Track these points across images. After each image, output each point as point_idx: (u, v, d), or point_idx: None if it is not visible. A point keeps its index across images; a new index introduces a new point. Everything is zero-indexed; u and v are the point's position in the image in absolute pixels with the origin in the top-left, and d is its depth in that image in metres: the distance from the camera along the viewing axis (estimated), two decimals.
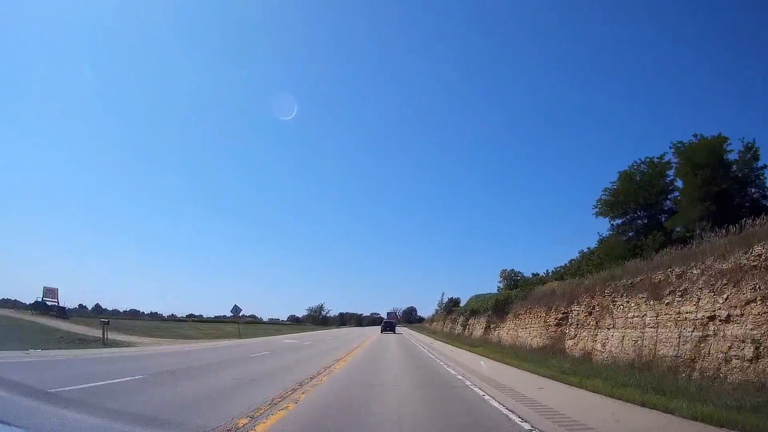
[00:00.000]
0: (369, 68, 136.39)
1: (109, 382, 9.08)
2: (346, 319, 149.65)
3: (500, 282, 52.08)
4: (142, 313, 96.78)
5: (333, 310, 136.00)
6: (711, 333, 10.16)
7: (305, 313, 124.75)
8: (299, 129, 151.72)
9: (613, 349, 14.36)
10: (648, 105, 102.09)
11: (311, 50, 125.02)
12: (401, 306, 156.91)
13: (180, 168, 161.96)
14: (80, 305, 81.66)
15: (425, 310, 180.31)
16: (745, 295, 9.40)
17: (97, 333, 23.86)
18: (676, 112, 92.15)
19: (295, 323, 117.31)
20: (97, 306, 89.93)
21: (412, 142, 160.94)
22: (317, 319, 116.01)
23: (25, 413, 5.86)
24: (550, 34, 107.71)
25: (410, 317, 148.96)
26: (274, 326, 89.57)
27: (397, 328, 67.48)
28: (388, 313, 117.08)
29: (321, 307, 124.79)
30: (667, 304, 12.15)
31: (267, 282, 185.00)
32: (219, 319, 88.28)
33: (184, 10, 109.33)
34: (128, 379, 9.74)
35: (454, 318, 55.04)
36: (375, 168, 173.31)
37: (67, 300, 63.16)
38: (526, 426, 6.51)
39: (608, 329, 15.12)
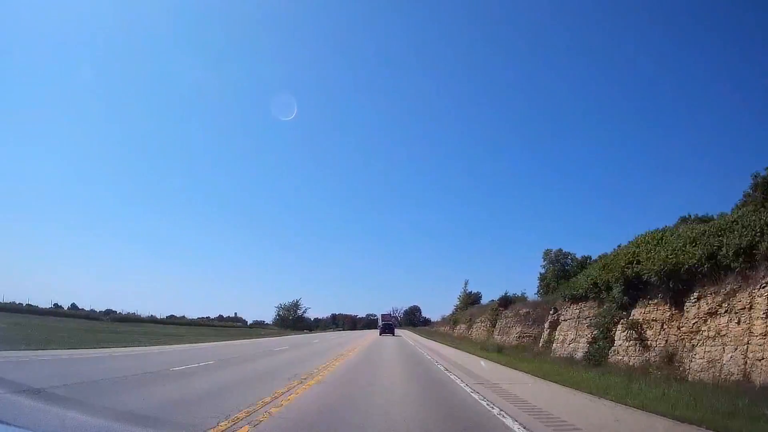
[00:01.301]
0: (370, 68, 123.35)
1: None
2: (338, 321, 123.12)
3: (544, 265, 41.75)
4: (114, 312, 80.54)
5: (313, 308, 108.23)
6: None
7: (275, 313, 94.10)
8: (299, 129, 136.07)
9: None
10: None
11: (311, 50, 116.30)
12: (402, 305, 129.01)
13: (176, 167, 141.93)
14: (55, 304, 67.47)
15: (431, 311, 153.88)
16: None
17: None
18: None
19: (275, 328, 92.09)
20: (74, 305, 75.20)
21: (418, 135, 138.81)
22: (287, 321, 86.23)
23: None
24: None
25: (413, 319, 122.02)
26: (230, 330, 62.44)
27: (397, 331, 58.10)
28: (381, 315, 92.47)
29: (296, 305, 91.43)
30: None
31: (263, 284, 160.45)
32: (201, 322, 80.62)
33: (183, 9, 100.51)
34: None
35: (525, 313, 26.35)
36: (377, 161, 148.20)
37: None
38: None
39: None
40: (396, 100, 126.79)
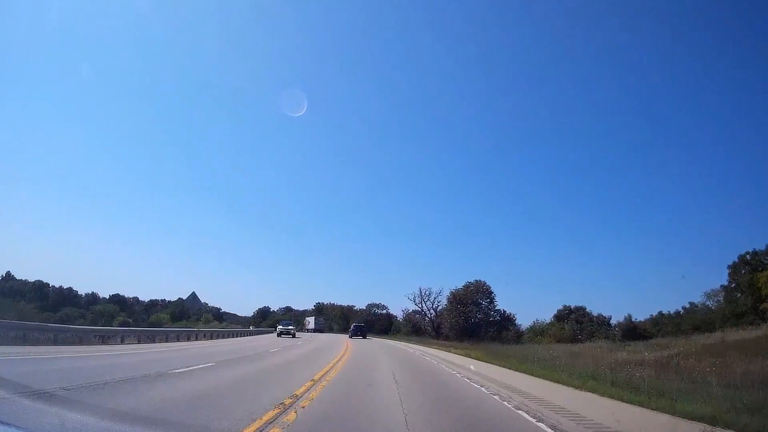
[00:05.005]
0: (381, 64, 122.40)
1: None
2: (326, 314, 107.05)
3: None
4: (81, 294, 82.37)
5: (305, 299, 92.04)
6: None
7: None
8: (309, 125, 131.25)
9: None
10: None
11: (322, 46, 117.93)
12: (437, 285, 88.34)
13: (182, 162, 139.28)
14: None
15: (508, 302, 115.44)
16: None
17: None
18: None
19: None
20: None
21: (424, 128, 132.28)
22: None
23: None
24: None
25: (472, 314, 59.52)
26: None
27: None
28: (314, 319, 72.84)
29: None
30: None
31: (260, 280, 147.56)
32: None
33: (190, 3, 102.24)
34: None
35: None
36: (385, 155, 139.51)
37: None
38: None
39: None
40: (404, 98, 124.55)
